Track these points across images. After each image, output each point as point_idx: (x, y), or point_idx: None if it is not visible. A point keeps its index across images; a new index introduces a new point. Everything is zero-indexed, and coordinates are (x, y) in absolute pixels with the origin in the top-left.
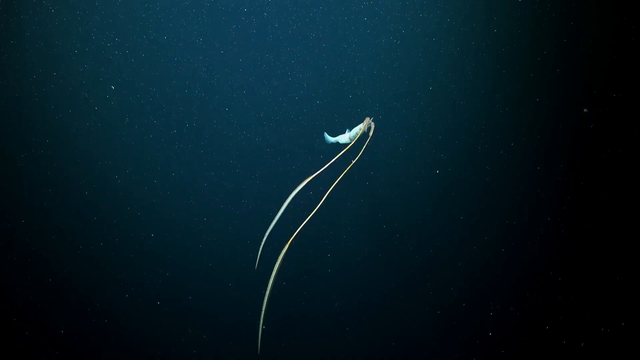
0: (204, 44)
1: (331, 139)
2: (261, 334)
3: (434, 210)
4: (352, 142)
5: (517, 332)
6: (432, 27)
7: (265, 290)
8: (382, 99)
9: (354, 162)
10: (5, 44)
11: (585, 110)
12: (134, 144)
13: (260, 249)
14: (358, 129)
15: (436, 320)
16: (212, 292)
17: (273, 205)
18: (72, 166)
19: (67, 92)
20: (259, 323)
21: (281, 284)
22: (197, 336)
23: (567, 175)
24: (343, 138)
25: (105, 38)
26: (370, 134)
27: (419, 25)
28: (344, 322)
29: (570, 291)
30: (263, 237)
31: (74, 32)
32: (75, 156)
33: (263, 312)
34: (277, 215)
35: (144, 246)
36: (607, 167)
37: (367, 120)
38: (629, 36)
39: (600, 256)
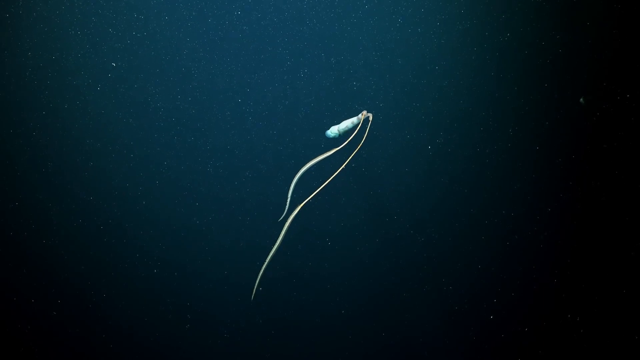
0: (204, 32)
1: (331, 133)
2: (256, 290)
3: (434, 205)
4: (351, 136)
5: (518, 331)
6: (434, 18)
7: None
8: (383, 92)
9: (354, 152)
10: (4, 27)
11: (581, 100)
12: (132, 131)
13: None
14: (350, 123)
15: (437, 319)
16: (210, 285)
17: (271, 197)
18: (66, 155)
19: (65, 79)
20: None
21: (281, 283)
22: (196, 330)
23: (569, 170)
24: (333, 130)
25: (106, 22)
26: (370, 119)
27: (421, 17)
28: (343, 321)
29: (572, 290)
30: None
31: (73, 16)
32: (71, 143)
33: (263, 269)
34: (286, 204)
35: (141, 237)
36: (607, 162)
37: (364, 113)
38: (631, 27)
39: (602, 254)
